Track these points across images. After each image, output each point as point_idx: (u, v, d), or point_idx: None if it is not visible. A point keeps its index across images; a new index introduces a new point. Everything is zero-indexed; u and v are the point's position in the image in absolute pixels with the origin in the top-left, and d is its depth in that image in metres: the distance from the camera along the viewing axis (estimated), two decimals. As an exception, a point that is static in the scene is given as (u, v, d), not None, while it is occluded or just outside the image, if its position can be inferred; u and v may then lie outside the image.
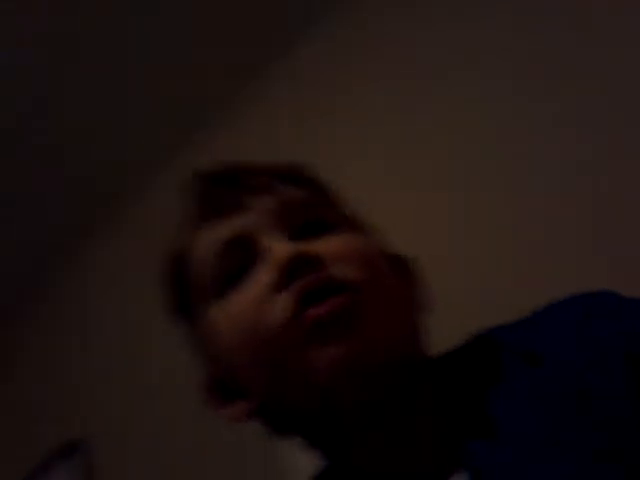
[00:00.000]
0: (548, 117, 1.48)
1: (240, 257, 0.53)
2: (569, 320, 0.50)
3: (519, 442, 0.46)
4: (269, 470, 1.63)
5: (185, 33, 1.79)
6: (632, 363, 0.46)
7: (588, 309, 0.50)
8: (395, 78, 1.73)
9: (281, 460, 1.53)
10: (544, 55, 1.51)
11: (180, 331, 0.61)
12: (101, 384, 2.20)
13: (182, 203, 0.59)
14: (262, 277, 0.51)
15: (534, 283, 1.34)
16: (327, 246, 0.51)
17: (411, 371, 0.51)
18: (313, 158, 0.65)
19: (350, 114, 1.79)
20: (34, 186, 2.12)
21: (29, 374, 2.41)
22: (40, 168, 2.06)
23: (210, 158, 0.65)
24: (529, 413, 0.47)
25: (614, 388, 0.45)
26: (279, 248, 0.50)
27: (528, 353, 0.50)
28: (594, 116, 1.41)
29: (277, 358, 0.50)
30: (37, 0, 1.61)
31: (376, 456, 0.51)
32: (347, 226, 0.55)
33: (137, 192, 2.18)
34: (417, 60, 1.70)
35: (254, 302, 0.50)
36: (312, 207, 0.55)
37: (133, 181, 2.16)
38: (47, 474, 2.13)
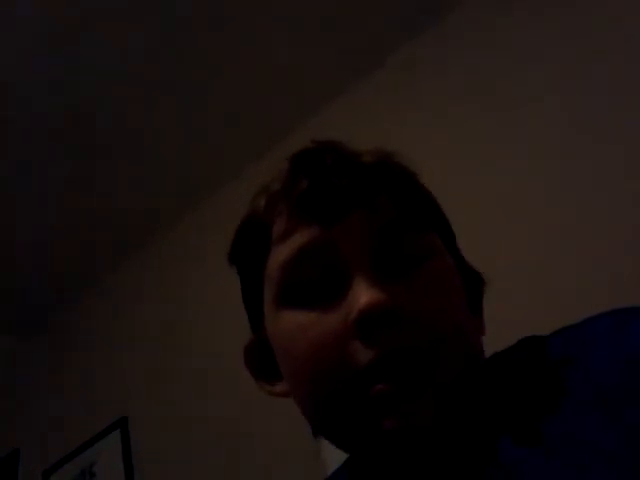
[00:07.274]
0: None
1: (319, 271, 0.52)
2: (605, 325, 0.49)
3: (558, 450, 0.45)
4: (310, 453, 1.66)
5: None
6: None
7: (622, 315, 0.49)
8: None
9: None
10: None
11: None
12: (145, 368, 2.27)
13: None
14: (338, 317, 0.50)
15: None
16: (408, 293, 0.50)
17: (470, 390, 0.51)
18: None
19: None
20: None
21: (84, 357, 2.49)
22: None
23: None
24: (573, 424, 0.46)
25: None
26: (361, 292, 0.49)
27: (569, 359, 0.49)
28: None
29: (333, 393, 0.50)
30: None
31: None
32: (433, 249, 0.54)
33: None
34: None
35: (324, 335, 0.50)
36: (403, 230, 0.53)
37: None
38: (96, 447, 2.23)
